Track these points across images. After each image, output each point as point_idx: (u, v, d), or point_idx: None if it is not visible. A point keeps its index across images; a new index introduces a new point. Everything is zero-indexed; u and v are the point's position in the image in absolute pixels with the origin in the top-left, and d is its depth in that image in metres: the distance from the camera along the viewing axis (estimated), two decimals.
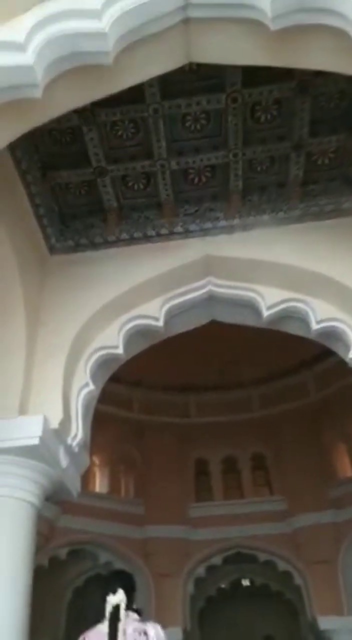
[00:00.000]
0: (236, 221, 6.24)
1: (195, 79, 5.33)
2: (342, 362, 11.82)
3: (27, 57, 3.46)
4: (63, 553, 11.02)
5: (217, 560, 12.16)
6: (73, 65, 3.78)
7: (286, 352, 12.34)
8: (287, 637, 13.99)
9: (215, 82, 5.31)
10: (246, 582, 14.11)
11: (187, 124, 5.70)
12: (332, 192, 6.20)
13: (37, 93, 3.66)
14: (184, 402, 13.23)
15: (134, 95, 5.29)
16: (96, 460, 12.11)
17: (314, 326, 6.05)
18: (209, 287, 6.36)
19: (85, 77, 3.94)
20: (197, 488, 12.97)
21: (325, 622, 10.97)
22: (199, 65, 5.22)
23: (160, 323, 6.23)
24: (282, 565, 11.96)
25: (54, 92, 3.87)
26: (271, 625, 14.02)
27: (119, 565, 11.63)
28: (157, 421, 12.73)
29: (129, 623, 3.09)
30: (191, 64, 5.21)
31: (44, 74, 3.59)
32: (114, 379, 11.68)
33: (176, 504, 12.11)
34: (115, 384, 12.04)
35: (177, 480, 12.44)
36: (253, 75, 5.23)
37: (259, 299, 6.22)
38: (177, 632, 11.01)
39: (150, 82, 5.15)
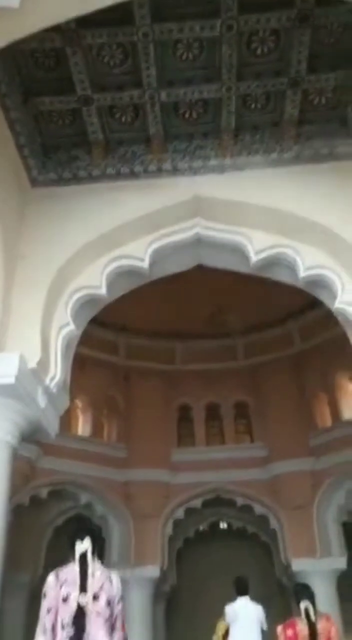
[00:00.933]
0: (227, 161, 6.02)
1: (188, 3, 4.99)
2: (327, 314, 11.78)
3: None
4: (44, 492, 11.19)
5: (196, 503, 12.46)
6: None
7: (273, 302, 12.28)
8: (261, 578, 14.56)
9: (209, 7, 4.97)
10: (223, 525, 14.56)
11: (179, 53, 5.39)
12: (328, 135, 5.98)
13: (15, 1, 3.39)
14: (169, 349, 13.22)
15: (122, 16, 4.97)
16: (79, 403, 12.17)
17: (302, 273, 5.94)
18: (197, 229, 6.19)
19: None
20: (179, 433, 13.14)
21: (298, 564, 11.39)
22: None
23: (146, 264, 6.09)
24: (259, 510, 12.29)
25: (34, 3, 3.59)
26: (245, 566, 14.55)
27: (99, 506, 11.91)
28: (142, 367, 12.75)
29: (96, 567, 3.43)
30: None
31: None
32: (100, 323, 11.70)
33: (158, 448, 12.28)
34: (101, 329, 11.98)
35: (160, 425, 12.57)
36: (250, 1, 4.92)
37: (247, 243, 6.07)
38: (155, 570, 11.43)
39: (141, 2, 4.82)
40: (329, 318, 11.72)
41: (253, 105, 5.89)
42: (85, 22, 4.92)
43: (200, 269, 10.74)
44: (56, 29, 4.92)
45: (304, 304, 12.02)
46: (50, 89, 5.59)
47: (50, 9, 3.76)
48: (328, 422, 12.04)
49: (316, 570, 11.36)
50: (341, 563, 11.51)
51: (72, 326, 5.69)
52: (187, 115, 5.99)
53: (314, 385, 12.34)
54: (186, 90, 5.61)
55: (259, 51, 5.39)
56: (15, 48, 5.12)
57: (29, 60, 5.36)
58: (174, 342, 13.20)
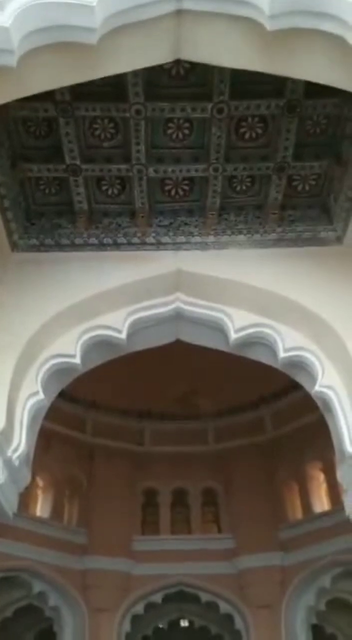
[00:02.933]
0: (211, 238, 5.97)
1: (182, 85, 5.10)
2: (301, 401, 11.59)
3: (3, 18, 3.14)
4: None
5: (157, 597, 11.51)
6: (55, 40, 3.47)
7: (246, 386, 12.07)
8: None
9: (202, 90, 5.08)
10: (184, 623, 13.41)
11: (170, 132, 5.45)
12: (311, 220, 6.02)
13: (12, 61, 3.32)
14: (139, 429, 12.73)
15: (116, 92, 5.03)
16: (40, 481, 11.41)
17: (282, 354, 5.74)
18: (177, 304, 6.02)
19: (67, 55, 3.64)
20: (144, 520, 12.38)
21: None
22: (187, 71, 5.04)
23: (123, 335, 5.83)
24: (224, 607, 11.40)
25: (32, 66, 3.55)
26: None
27: (53, 596, 10.87)
28: (109, 446, 12.17)
29: None
30: (178, 70, 5.03)
31: (22, 41, 3.27)
32: (68, 397, 11.22)
33: (120, 535, 11.48)
34: (68, 403, 11.48)
35: (124, 510, 11.83)
36: (242, 89, 5.05)
37: (227, 321, 5.90)
38: None
39: (135, 81, 4.89)
40: (303, 405, 11.55)
41: (238, 188, 5.94)
42: (80, 94, 4.97)
43: (176, 344, 10.55)
44: (51, 99, 4.95)
45: (278, 389, 11.84)
46: (39, 157, 5.54)
47: (48, 74, 3.72)
48: (299, 514, 11.53)
49: None
50: None
51: (41, 395, 5.30)
52: (173, 193, 5.99)
53: (285, 474, 11.91)
54: (174, 167, 5.63)
55: (247, 136, 5.49)
56: (8, 114, 5.11)
57: (20, 127, 5.34)
58: (143, 422, 12.73)
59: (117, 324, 5.81)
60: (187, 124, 5.40)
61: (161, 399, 12.35)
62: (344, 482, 5.54)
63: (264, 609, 10.89)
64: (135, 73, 4.79)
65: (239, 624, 11.18)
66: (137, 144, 5.37)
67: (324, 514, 10.90)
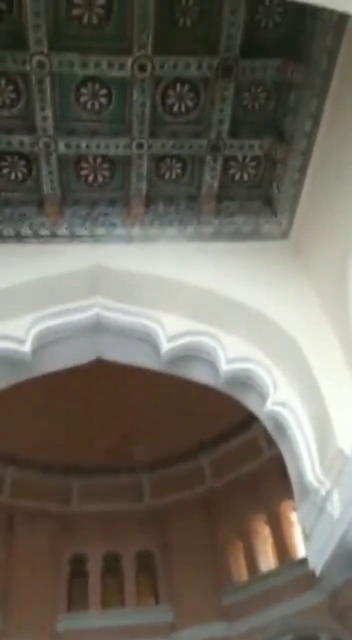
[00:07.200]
0: (136, 230, 4.78)
1: (94, 36, 4.00)
2: (243, 447, 10.27)
3: None
4: None
5: None
6: None
7: (184, 431, 10.66)
8: None
9: (120, 44, 4.01)
10: None
11: (83, 99, 4.30)
12: (251, 212, 4.97)
13: None
14: (65, 486, 10.86)
15: (13, 41, 3.87)
16: None
17: (224, 367, 4.50)
18: (97, 310, 4.70)
19: None
20: (70, 593, 10.28)
21: None
22: (100, 18, 3.98)
23: (27, 348, 4.40)
24: None
25: None
26: None
27: None
28: (30, 507, 10.22)
29: None
30: (90, 17, 3.98)
31: None
32: None
33: (42, 613, 9.40)
34: None
35: (47, 584, 9.80)
36: (166, 42, 4.03)
37: (157, 328, 4.63)
38: None
39: (36, 22, 3.76)
40: (244, 451, 10.24)
41: (167, 175, 4.83)
42: None
43: (103, 389, 9.05)
44: None
45: (217, 434, 10.53)
46: None
47: None
48: (244, 575, 9.91)
49: None
50: None
51: None
52: (90, 180, 4.80)
53: (228, 530, 10.36)
54: (90, 142, 4.45)
55: (175, 108, 4.44)
56: None
57: None
58: (70, 478, 10.89)
59: (19, 333, 4.38)
60: (104, 90, 4.29)
61: (90, 450, 10.63)
62: (306, 526, 4.19)
63: None
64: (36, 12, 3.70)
65: None
66: (42, 108, 4.19)
67: (271, 574, 9.36)
